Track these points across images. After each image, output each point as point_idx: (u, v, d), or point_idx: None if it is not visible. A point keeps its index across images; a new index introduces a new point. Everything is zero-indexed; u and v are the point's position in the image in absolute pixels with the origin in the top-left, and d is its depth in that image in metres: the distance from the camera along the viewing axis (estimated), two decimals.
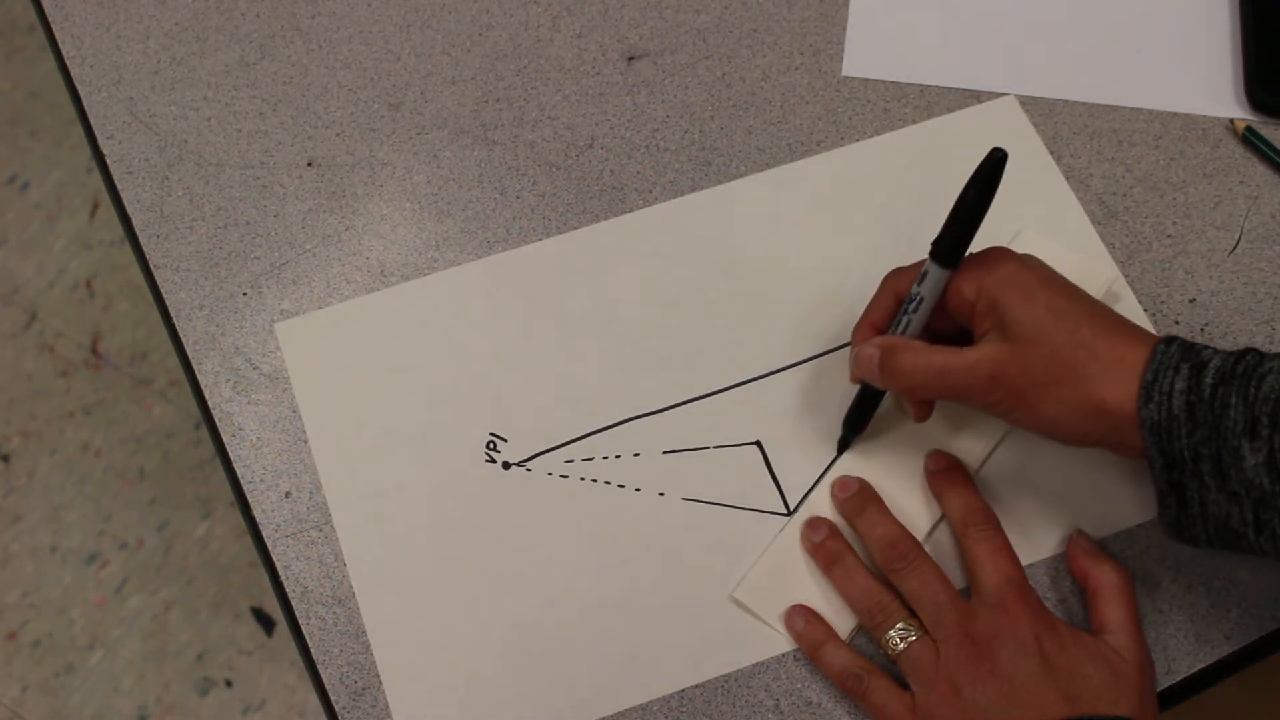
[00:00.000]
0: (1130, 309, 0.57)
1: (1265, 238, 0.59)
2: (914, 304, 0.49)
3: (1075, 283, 0.48)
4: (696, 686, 0.52)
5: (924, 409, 0.52)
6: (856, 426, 0.54)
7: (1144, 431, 0.44)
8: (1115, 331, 0.46)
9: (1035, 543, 0.53)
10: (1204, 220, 0.59)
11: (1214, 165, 0.60)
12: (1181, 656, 0.51)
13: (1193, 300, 0.57)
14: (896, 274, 0.52)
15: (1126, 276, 0.58)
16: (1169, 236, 0.59)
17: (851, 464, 0.54)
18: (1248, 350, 0.45)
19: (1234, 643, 0.51)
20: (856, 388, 0.53)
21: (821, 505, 0.54)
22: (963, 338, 0.49)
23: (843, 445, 0.55)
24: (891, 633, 0.49)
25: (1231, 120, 0.61)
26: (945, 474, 0.53)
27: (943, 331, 0.51)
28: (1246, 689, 0.55)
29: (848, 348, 0.56)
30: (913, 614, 0.50)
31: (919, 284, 0.49)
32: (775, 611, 0.52)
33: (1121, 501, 0.54)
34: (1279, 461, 0.42)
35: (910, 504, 0.53)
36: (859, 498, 0.53)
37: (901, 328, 0.50)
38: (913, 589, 0.49)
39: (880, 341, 0.50)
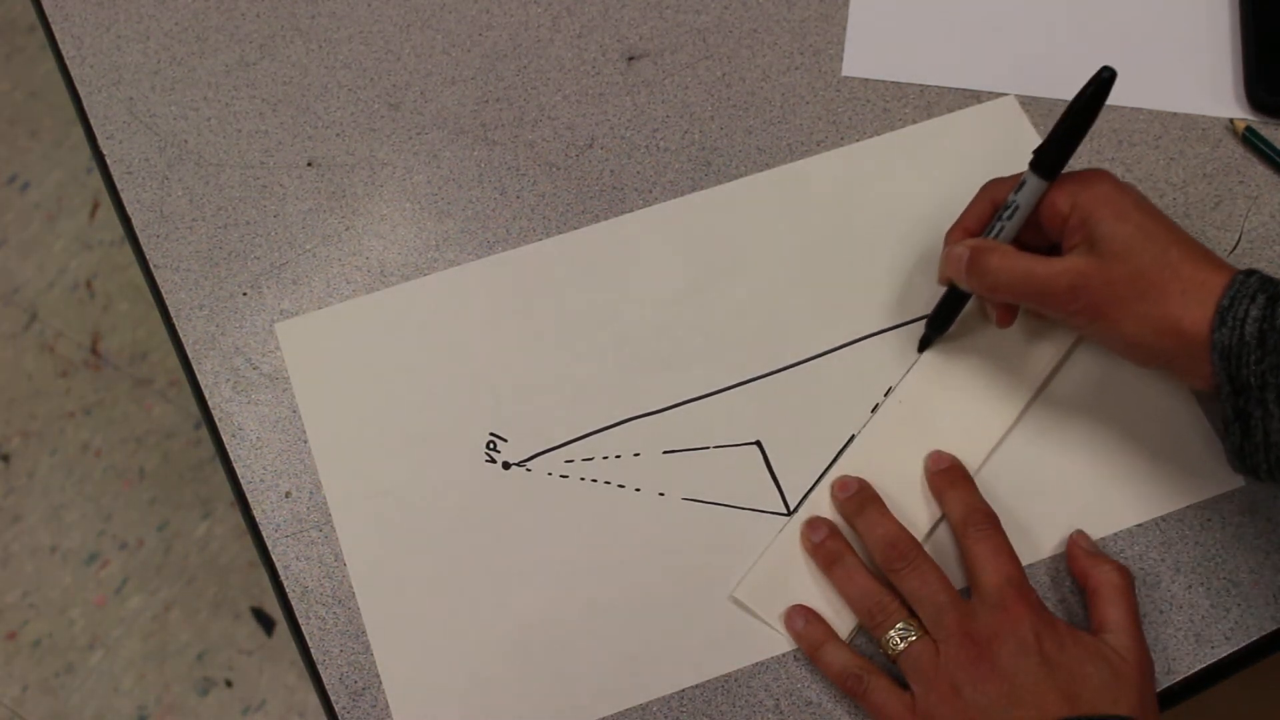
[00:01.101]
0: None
1: (1265, 238, 0.59)
2: (1009, 211, 0.51)
3: None
4: (696, 686, 0.52)
5: (1007, 313, 0.53)
6: (940, 326, 0.55)
7: (1214, 355, 0.46)
8: (1200, 258, 0.48)
9: (1035, 543, 0.53)
10: (1204, 220, 0.59)
11: (1214, 165, 0.60)
12: (1181, 656, 0.51)
13: None
14: (995, 183, 0.53)
15: None
16: None
17: (851, 464, 0.55)
18: None
19: (1234, 643, 0.51)
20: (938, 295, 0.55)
21: (821, 505, 0.54)
22: (1051, 254, 0.50)
23: (925, 343, 0.56)
24: (891, 633, 0.49)
25: (1231, 120, 0.61)
26: (946, 474, 0.53)
27: (1033, 246, 0.51)
28: (1246, 689, 0.55)
29: (849, 347, 0.56)
30: (913, 614, 0.50)
31: (1016, 192, 0.50)
32: (775, 611, 0.52)
33: (1122, 501, 0.54)
34: None
35: (910, 504, 0.53)
36: (858, 497, 0.53)
37: (994, 233, 0.51)
38: (913, 589, 0.49)
39: (972, 242, 0.51)
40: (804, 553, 0.53)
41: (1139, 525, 0.53)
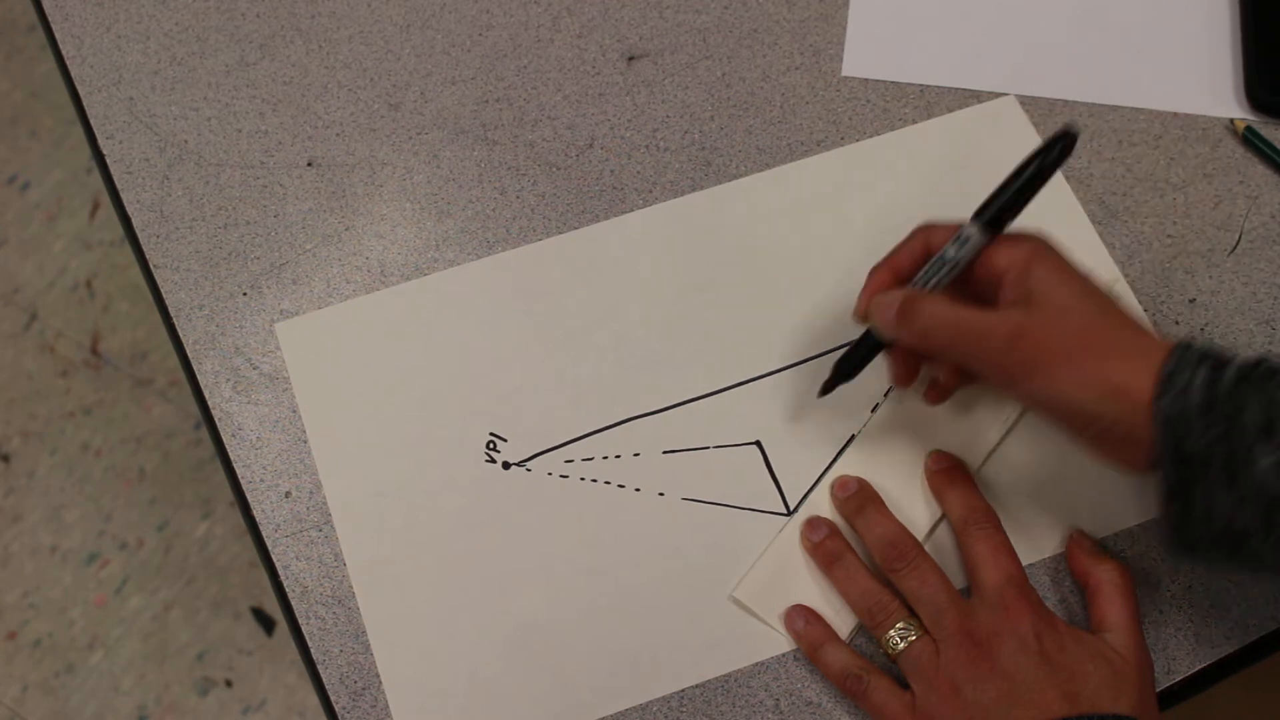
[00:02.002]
0: (1130, 309, 0.57)
1: (1265, 238, 0.59)
2: (947, 266, 0.49)
3: None
4: (696, 686, 0.52)
5: (908, 373, 0.52)
6: (848, 374, 0.53)
7: (1157, 424, 0.43)
8: (1138, 326, 0.46)
9: (1035, 542, 0.53)
10: (1204, 220, 0.59)
11: (1214, 165, 0.60)
12: (1181, 656, 0.51)
13: (1193, 300, 0.57)
14: (930, 228, 0.51)
15: (1126, 276, 0.58)
16: (1169, 236, 0.59)
17: (851, 464, 0.55)
18: (1266, 355, 0.44)
19: (1234, 643, 0.51)
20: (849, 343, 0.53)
21: (821, 505, 0.54)
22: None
23: (827, 388, 0.54)
24: (891, 632, 0.49)
25: (1231, 120, 0.61)
26: (946, 473, 0.53)
27: (959, 300, 0.49)
28: (1246, 689, 0.55)
29: (847, 348, 0.56)
30: (913, 614, 0.50)
31: (956, 246, 0.48)
32: (775, 611, 0.52)
33: (1122, 501, 0.54)
34: None
35: (910, 503, 0.53)
36: (858, 497, 0.53)
37: (927, 284, 0.49)
38: (912, 588, 0.49)
39: (903, 292, 0.49)
40: (804, 553, 0.53)
41: (1139, 525, 0.53)
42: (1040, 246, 0.48)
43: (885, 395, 0.56)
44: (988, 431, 0.55)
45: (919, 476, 0.54)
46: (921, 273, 0.50)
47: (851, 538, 0.53)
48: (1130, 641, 0.48)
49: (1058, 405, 0.45)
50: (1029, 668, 0.46)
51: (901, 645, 0.49)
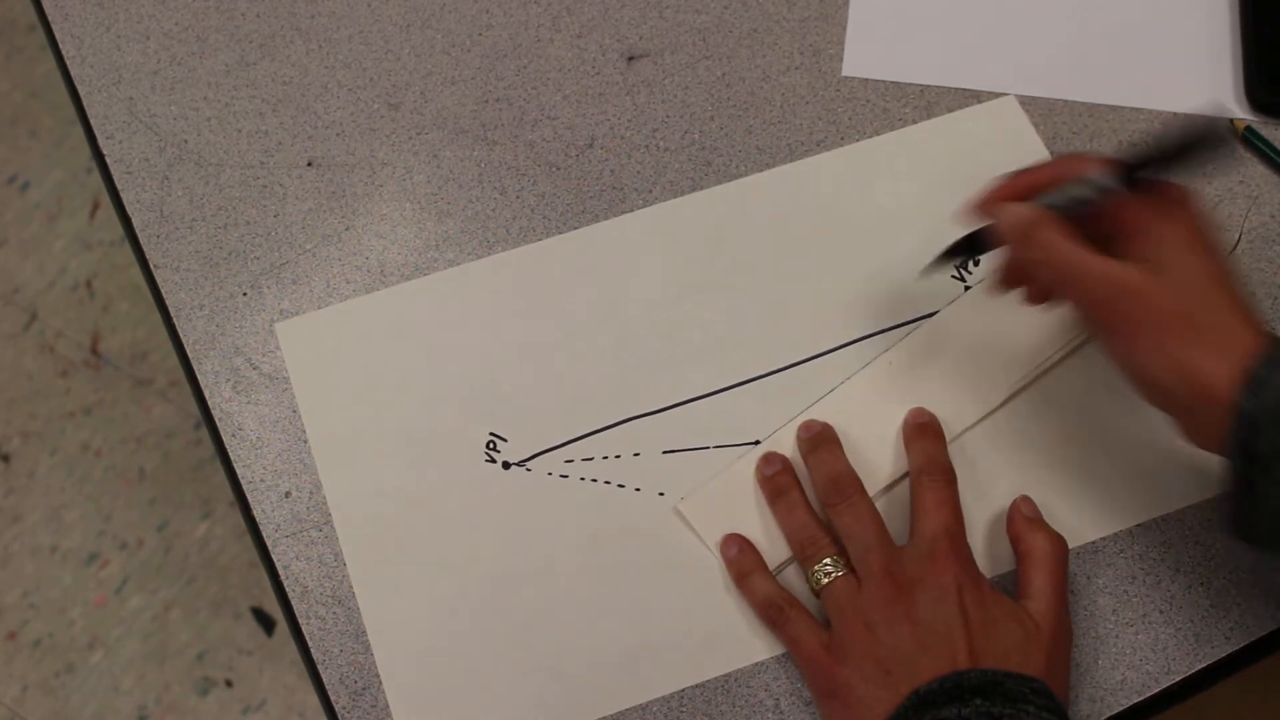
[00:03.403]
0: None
1: (1265, 238, 0.59)
2: (1080, 204, 0.47)
3: None
4: (696, 686, 0.52)
5: (1010, 281, 0.51)
6: (954, 259, 0.52)
7: (1234, 420, 0.43)
8: (1247, 316, 0.45)
9: None
10: None
11: (1214, 165, 0.60)
12: (1181, 656, 0.51)
13: None
14: (1074, 159, 0.49)
15: None
16: None
17: (827, 409, 0.55)
18: None
19: (1234, 643, 0.51)
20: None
21: (786, 443, 0.55)
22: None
23: (930, 269, 0.53)
24: (817, 567, 0.50)
25: (1231, 120, 0.61)
26: (919, 426, 0.53)
27: (1082, 238, 0.48)
28: (1246, 689, 0.55)
29: (849, 347, 0.56)
30: (844, 554, 0.50)
31: (1095, 187, 0.47)
32: (714, 534, 0.53)
33: (1122, 501, 0.54)
34: None
35: (875, 456, 0.54)
36: (817, 437, 0.53)
37: (1055, 207, 0.48)
38: (846, 524, 0.50)
39: (1038, 212, 0.48)
40: (755, 483, 0.54)
41: (1139, 525, 0.53)
42: (1178, 209, 0.47)
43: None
44: (972, 406, 0.55)
45: (891, 434, 0.54)
46: (1054, 196, 0.48)
47: (806, 480, 0.53)
48: (1049, 610, 0.48)
49: (1139, 373, 0.46)
50: (943, 618, 0.47)
51: (825, 581, 0.50)
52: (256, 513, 0.55)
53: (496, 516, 0.54)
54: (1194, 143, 0.46)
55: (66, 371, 1.40)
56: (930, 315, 0.57)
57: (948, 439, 0.54)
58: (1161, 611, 0.52)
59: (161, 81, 0.65)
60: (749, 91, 0.63)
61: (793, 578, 0.53)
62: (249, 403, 0.57)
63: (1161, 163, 0.46)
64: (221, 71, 0.65)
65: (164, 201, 0.62)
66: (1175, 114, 0.62)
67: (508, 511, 0.55)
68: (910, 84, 0.63)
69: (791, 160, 0.61)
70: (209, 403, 0.57)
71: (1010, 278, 0.52)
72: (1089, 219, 0.48)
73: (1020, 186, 0.50)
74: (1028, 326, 0.56)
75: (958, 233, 0.52)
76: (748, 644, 0.52)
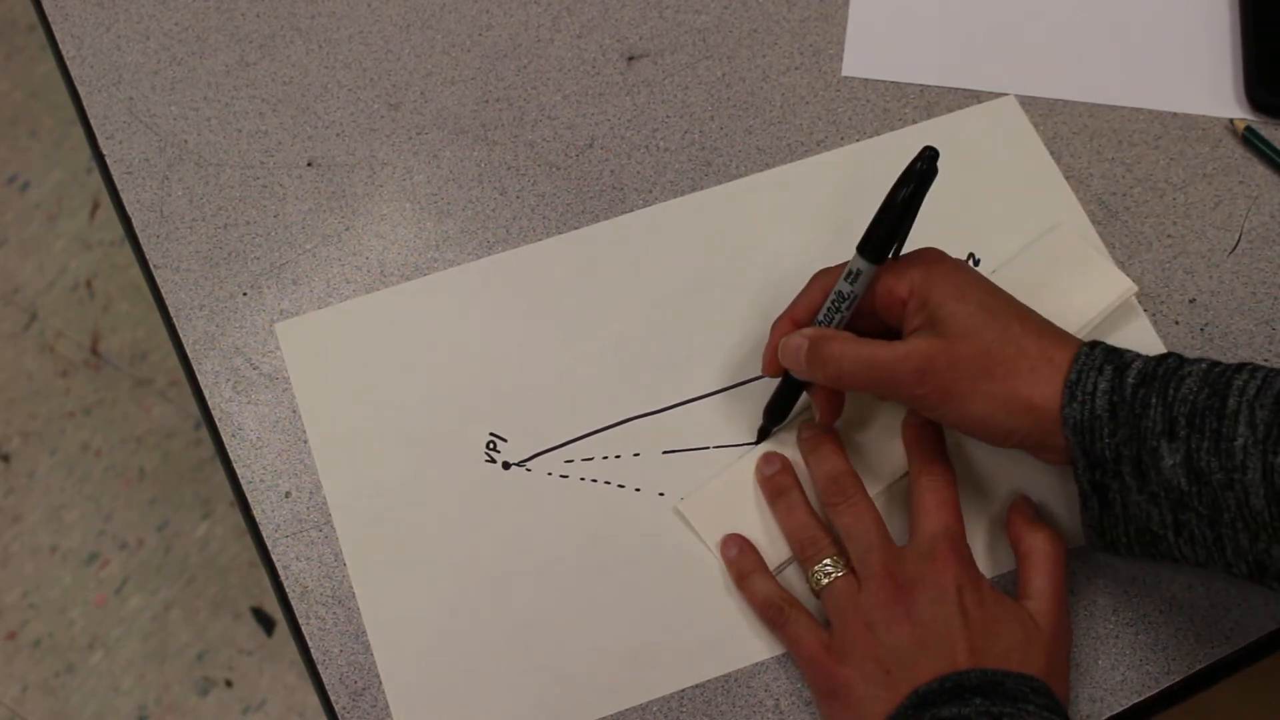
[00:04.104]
0: (1130, 309, 0.57)
1: (1265, 238, 0.59)
2: (845, 301, 0.50)
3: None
4: (696, 686, 0.52)
5: (833, 410, 0.53)
6: (779, 417, 0.55)
7: (1066, 430, 0.45)
8: (1044, 333, 0.47)
9: None
10: (1204, 220, 0.59)
11: (1214, 165, 0.60)
12: (1181, 656, 0.51)
13: (1193, 300, 0.57)
14: (825, 273, 0.52)
15: (1127, 276, 0.58)
16: (1169, 236, 0.59)
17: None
18: (1169, 354, 0.46)
19: (1234, 643, 0.51)
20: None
21: (788, 442, 0.55)
22: (888, 339, 0.50)
23: (762, 434, 0.55)
24: (818, 567, 0.50)
25: (1231, 120, 0.61)
26: (919, 427, 0.53)
27: (868, 333, 0.51)
28: (1246, 689, 0.55)
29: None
30: (844, 554, 0.50)
31: (849, 281, 0.49)
32: (714, 534, 0.53)
33: None
34: (1195, 462, 0.43)
35: (876, 456, 0.54)
36: (818, 437, 0.53)
37: (829, 325, 0.51)
38: (846, 524, 0.50)
39: (809, 332, 0.50)
40: (755, 484, 0.54)
41: None
42: (934, 268, 0.49)
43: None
44: None
45: (894, 434, 0.54)
46: (823, 312, 0.51)
47: (807, 480, 0.53)
48: (1049, 610, 0.48)
49: (974, 424, 0.47)
50: (943, 618, 0.47)
51: (825, 581, 0.50)
52: (256, 513, 0.55)
53: (496, 516, 0.54)
54: (902, 185, 0.47)
55: (66, 371, 1.40)
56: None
57: (947, 439, 0.54)
58: (1161, 611, 0.52)
59: (161, 81, 0.65)
60: (749, 91, 0.63)
61: (793, 578, 0.53)
62: (249, 403, 0.57)
63: (889, 222, 0.48)
64: (221, 71, 0.65)
65: (164, 201, 0.62)
66: (1175, 114, 0.62)
67: (508, 511, 0.55)
68: (910, 84, 0.63)
69: (791, 160, 0.61)
70: (209, 403, 0.57)
71: (827, 405, 0.53)
72: (866, 316, 0.50)
73: (792, 321, 0.52)
74: None
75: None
76: (748, 644, 0.52)
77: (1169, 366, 0.45)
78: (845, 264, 0.50)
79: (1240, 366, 0.44)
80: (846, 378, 0.49)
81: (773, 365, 0.53)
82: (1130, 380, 0.44)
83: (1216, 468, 0.42)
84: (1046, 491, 0.54)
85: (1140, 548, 0.47)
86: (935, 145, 0.63)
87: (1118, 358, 0.45)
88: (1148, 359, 0.45)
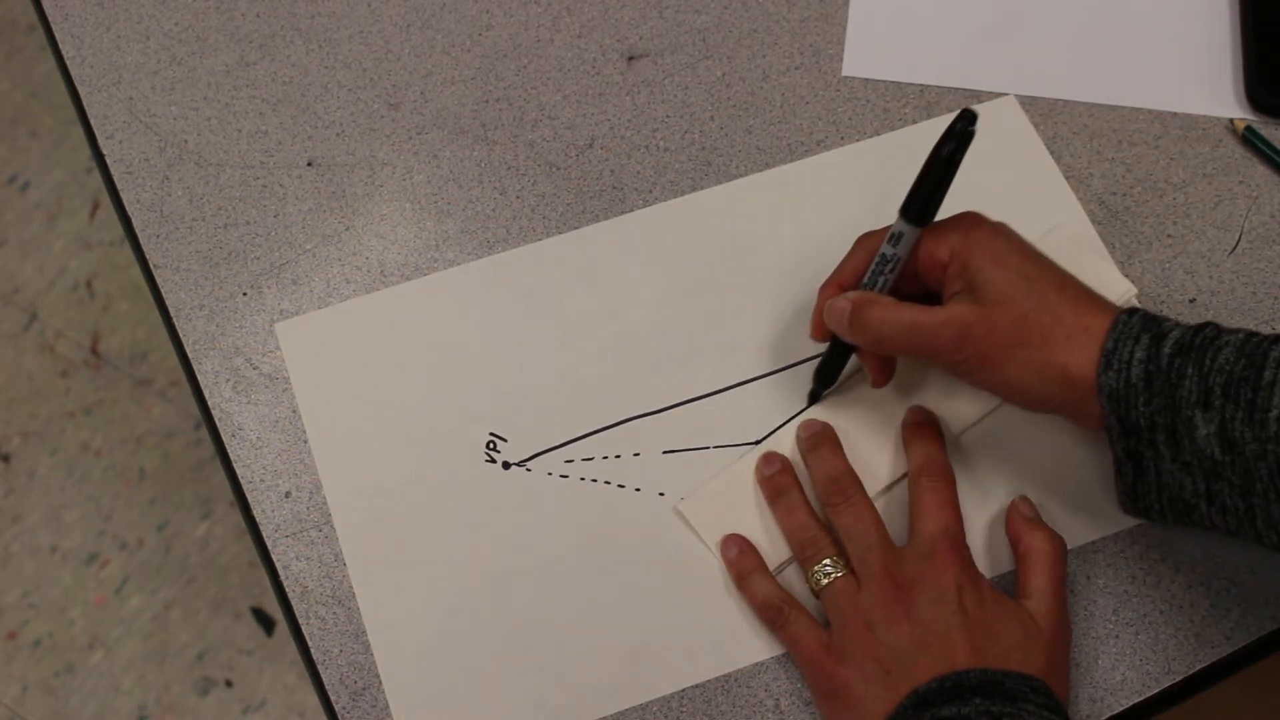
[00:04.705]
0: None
1: (1265, 238, 0.59)
2: (888, 264, 0.50)
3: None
4: (696, 686, 0.52)
5: (884, 371, 0.53)
6: (827, 380, 0.55)
7: (1102, 398, 0.45)
8: (1081, 300, 0.48)
9: None
10: (1204, 220, 0.59)
11: (1214, 165, 0.60)
12: (1181, 656, 0.51)
13: (1193, 300, 0.57)
14: (868, 236, 0.53)
15: (1127, 276, 0.58)
16: (1169, 236, 0.59)
17: (830, 411, 0.55)
18: (1207, 323, 0.46)
19: (1234, 643, 0.51)
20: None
21: (787, 442, 0.55)
22: (929, 303, 0.50)
23: (813, 398, 0.56)
24: (818, 567, 0.50)
25: (1231, 120, 0.61)
26: (917, 426, 0.54)
27: (911, 296, 0.51)
28: (1246, 689, 0.55)
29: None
30: (844, 554, 0.50)
31: (892, 244, 0.50)
32: (714, 534, 0.53)
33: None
34: (1229, 432, 0.43)
35: (874, 456, 0.54)
36: (817, 436, 0.54)
37: (874, 287, 0.51)
38: (846, 524, 0.50)
39: (852, 295, 0.51)
40: (755, 484, 0.54)
41: (1139, 525, 0.53)
42: (972, 232, 0.49)
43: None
44: (974, 402, 0.55)
45: (894, 433, 0.54)
46: (867, 276, 0.51)
47: (806, 480, 0.54)
48: (1049, 610, 0.48)
49: (1012, 390, 0.48)
50: (943, 618, 0.47)
51: (825, 581, 0.50)
52: (256, 513, 0.55)
53: (496, 516, 0.54)
54: (943, 146, 0.48)
55: (66, 371, 1.40)
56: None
57: (948, 439, 0.54)
58: (1161, 611, 0.52)
59: (161, 81, 0.65)
60: (749, 91, 0.63)
61: (793, 578, 0.53)
62: (249, 403, 0.57)
63: (930, 184, 0.48)
64: (221, 71, 0.65)
65: (164, 201, 0.62)
66: (1175, 114, 0.62)
67: (508, 511, 0.55)
68: (910, 84, 0.63)
69: (791, 160, 0.61)
70: (209, 403, 0.57)
71: (878, 368, 0.53)
72: (910, 279, 0.51)
73: (838, 285, 0.52)
74: None
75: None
76: (748, 644, 0.52)
77: (1206, 336, 0.45)
78: (888, 227, 0.50)
79: (1278, 337, 0.44)
80: (887, 342, 0.50)
81: (820, 329, 0.53)
82: (1167, 350, 0.45)
83: (1250, 438, 0.43)
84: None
85: (1173, 515, 0.48)
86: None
87: (1155, 326, 0.46)
88: (1185, 328, 0.46)
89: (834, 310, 0.51)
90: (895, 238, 0.50)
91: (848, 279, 0.52)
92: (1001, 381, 0.48)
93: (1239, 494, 0.44)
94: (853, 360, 0.54)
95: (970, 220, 0.50)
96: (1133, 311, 0.47)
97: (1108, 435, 0.47)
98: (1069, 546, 0.52)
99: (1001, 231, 0.50)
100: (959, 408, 0.55)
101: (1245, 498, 0.44)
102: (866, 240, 0.52)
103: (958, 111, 0.47)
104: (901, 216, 0.49)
